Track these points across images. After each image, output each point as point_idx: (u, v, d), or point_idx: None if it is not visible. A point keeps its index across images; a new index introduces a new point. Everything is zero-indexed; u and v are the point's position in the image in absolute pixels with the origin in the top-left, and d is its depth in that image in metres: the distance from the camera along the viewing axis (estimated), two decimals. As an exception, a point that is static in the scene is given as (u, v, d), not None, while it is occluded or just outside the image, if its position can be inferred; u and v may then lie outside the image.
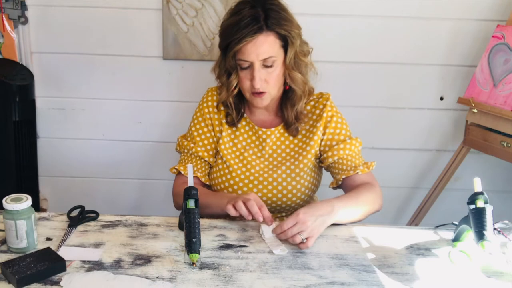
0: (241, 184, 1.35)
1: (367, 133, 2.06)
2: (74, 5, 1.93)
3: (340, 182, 1.35)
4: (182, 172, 1.37)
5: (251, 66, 1.25)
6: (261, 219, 1.13)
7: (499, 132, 1.76)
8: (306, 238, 1.09)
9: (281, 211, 1.38)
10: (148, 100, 2.06)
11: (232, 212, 1.15)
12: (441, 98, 2.05)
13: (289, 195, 1.34)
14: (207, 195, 1.28)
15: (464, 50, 1.99)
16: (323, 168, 1.42)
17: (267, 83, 1.27)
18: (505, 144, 1.74)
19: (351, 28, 1.96)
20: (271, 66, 1.25)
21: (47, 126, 2.09)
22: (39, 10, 1.94)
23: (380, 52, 1.99)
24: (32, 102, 2.01)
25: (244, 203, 1.14)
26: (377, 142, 2.11)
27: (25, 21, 1.94)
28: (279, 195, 1.34)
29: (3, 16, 1.88)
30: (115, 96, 2.05)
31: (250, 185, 1.35)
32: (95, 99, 2.06)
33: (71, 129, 2.09)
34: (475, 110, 1.81)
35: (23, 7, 1.92)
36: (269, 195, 1.34)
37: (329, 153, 1.35)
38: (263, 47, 1.22)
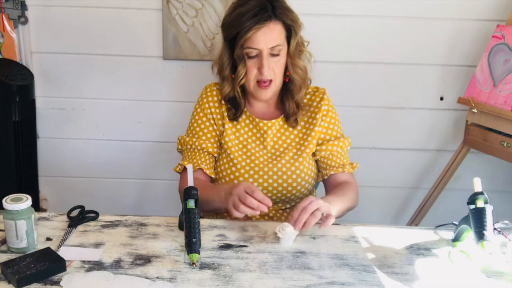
0: (246, 176, 1.36)
1: (367, 133, 2.07)
2: (74, 5, 1.93)
3: (326, 177, 1.39)
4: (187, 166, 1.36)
5: (258, 55, 1.29)
6: (266, 209, 1.11)
7: (499, 132, 1.76)
8: (326, 216, 1.11)
9: (285, 201, 1.40)
10: (148, 100, 2.05)
11: (240, 216, 1.14)
12: (441, 98, 2.05)
13: (294, 184, 1.36)
14: (205, 189, 1.27)
15: (464, 50, 1.99)
16: None
17: (274, 72, 1.31)
18: (505, 144, 1.74)
19: (351, 28, 1.96)
20: (277, 55, 1.30)
21: (47, 126, 2.09)
22: (39, 10, 1.94)
23: (380, 52, 1.99)
24: (32, 102, 2.01)
25: (243, 202, 1.12)
26: (377, 142, 2.11)
27: (25, 21, 1.94)
28: (285, 184, 1.36)
29: (3, 16, 1.88)
30: (115, 96, 2.05)
31: (256, 176, 1.36)
32: (95, 99, 2.06)
33: (71, 129, 2.09)
34: (475, 110, 1.81)
35: (23, 7, 1.92)
36: (275, 184, 1.36)
37: (323, 147, 1.39)
38: (272, 35, 1.27)
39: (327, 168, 1.39)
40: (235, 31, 1.28)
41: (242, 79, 1.33)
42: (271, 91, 1.34)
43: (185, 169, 1.36)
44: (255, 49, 1.28)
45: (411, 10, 1.93)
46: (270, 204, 1.12)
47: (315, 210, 1.10)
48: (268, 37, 1.26)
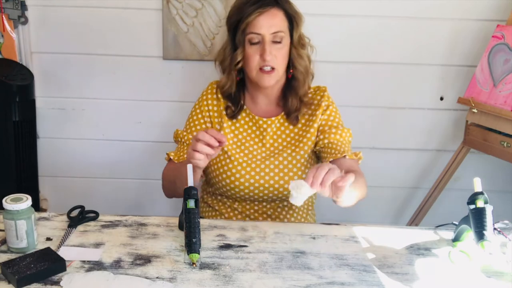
0: (243, 172, 1.37)
1: (367, 133, 2.07)
2: (74, 5, 1.93)
3: None
4: (172, 158, 1.38)
5: (261, 42, 1.30)
6: (216, 143, 1.10)
7: (499, 132, 1.76)
8: (342, 176, 1.01)
9: (282, 199, 1.40)
10: (148, 100, 2.05)
11: (201, 157, 1.12)
12: (441, 98, 2.05)
13: (291, 181, 1.35)
14: (178, 167, 1.27)
15: (464, 50, 1.98)
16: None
17: (276, 59, 1.32)
18: (505, 144, 1.74)
19: (351, 28, 1.95)
20: (279, 42, 1.31)
21: (47, 126, 2.08)
22: (39, 10, 1.94)
23: (380, 52, 1.98)
24: (32, 102, 2.01)
25: (199, 140, 1.11)
26: (377, 142, 2.11)
27: (25, 21, 1.94)
28: (281, 182, 1.36)
29: (3, 16, 1.88)
30: (115, 96, 2.05)
31: (252, 173, 1.36)
32: (95, 99, 2.06)
33: (71, 129, 2.09)
34: (475, 110, 1.81)
35: (23, 7, 1.92)
36: (271, 182, 1.36)
37: (321, 137, 1.39)
38: (274, 20, 1.30)
39: (327, 157, 1.37)
40: (237, 17, 1.31)
41: (239, 62, 1.34)
42: (274, 79, 1.34)
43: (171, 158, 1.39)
44: (257, 34, 1.29)
45: (410, 10, 1.93)
46: (224, 139, 1.11)
47: (328, 172, 1.01)
48: (270, 22, 1.29)
